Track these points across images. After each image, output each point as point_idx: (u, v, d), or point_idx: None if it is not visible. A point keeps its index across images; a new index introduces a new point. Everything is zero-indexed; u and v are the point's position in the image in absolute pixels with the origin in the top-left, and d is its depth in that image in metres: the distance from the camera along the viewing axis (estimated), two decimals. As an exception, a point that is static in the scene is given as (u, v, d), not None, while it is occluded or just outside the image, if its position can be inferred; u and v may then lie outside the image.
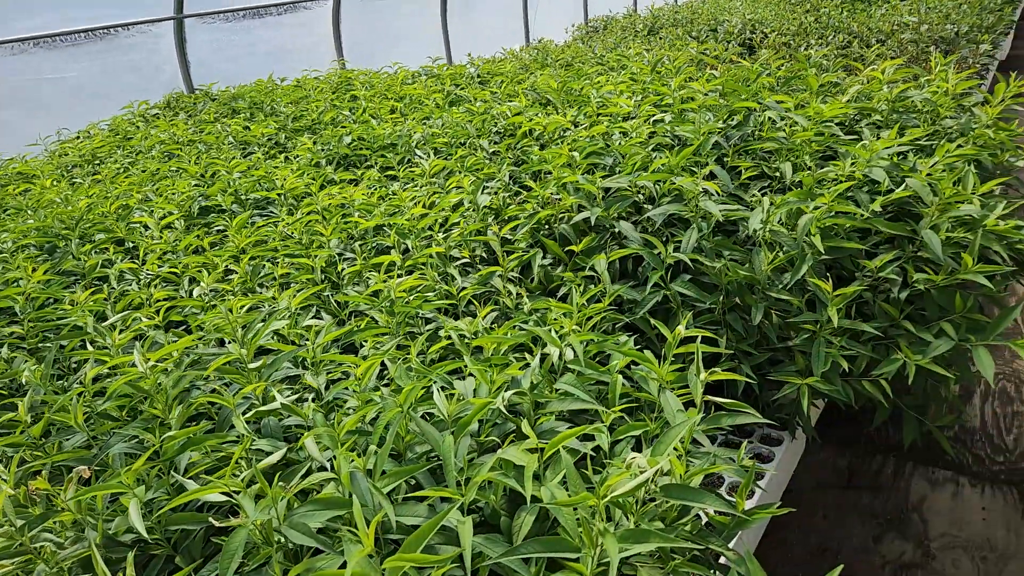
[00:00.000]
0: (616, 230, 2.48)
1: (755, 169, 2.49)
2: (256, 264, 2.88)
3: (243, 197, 3.76)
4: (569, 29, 11.00)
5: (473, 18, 10.08)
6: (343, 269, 2.76)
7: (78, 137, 5.81)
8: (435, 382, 1.69)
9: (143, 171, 4.45)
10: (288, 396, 1.86)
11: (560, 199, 2.65)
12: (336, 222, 3.04)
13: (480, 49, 8.72)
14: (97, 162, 4.99)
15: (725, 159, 2.64)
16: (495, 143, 3.82)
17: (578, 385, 1.71)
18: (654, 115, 3.10)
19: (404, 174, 3.58)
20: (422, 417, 1.56)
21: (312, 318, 2.51)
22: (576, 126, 3.53)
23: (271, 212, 3.71)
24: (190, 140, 5.03)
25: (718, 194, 2.23)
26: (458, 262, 2.72)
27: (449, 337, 2.22)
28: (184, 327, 2.61)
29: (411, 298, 2.36)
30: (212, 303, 2.60)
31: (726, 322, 2.16)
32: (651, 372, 1.72)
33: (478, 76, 5.56)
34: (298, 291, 2.62)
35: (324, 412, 1.74)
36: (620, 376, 1.74)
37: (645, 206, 2.49)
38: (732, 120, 2.86)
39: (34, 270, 2.93)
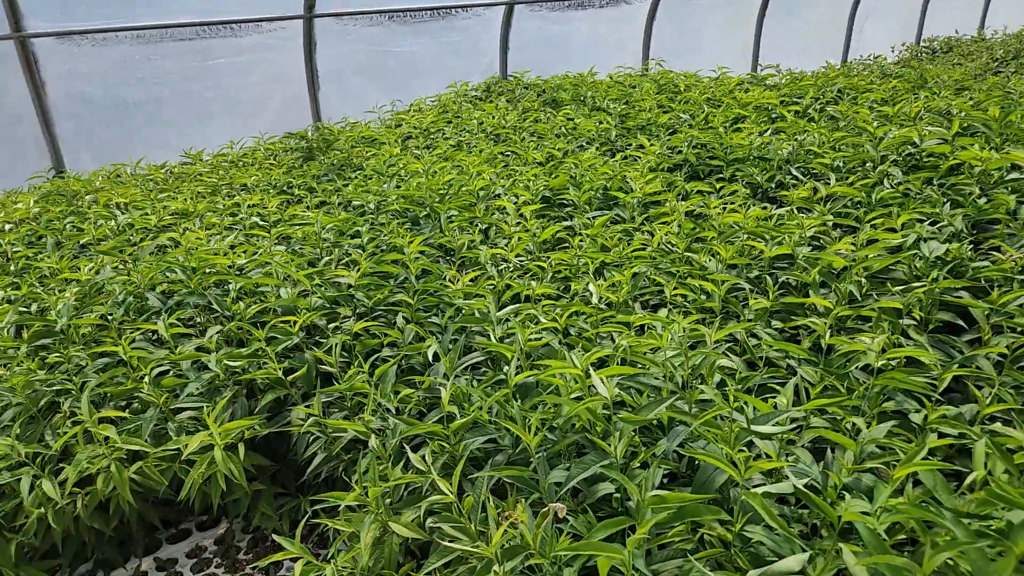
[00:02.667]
0: None
1: None
2: (639, 276, 2.55)
3: (589, 193, 3.51)
4: (897, 48, 9.62)
5: (791, 26, 9.19)
6: (751, 302, 2.32)
7: (408, 109, 6.13)
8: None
9: (480, 151, 4.45)
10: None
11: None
12: (737, 246, 2.61)
13: (791, 62, 7.86)
14: (430, 135, 5.15)
15: None
16: (904, 174, 3.13)
17: None
18: None
19: (793, 196, 3.05)
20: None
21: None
22: None
23: (617, 215, 3.41)
24: (518, 127, 4.98)
25: None
26: (904, 321, 2.14)
27: (943, 435, 1.67)
28: (560, 331, 2.35)
29: (882, 361, 1.84)
30: (599, 315, 2.31)
31: None
32: None
33: (838, 92, 4.83)
34: (702, 321, 2.24)
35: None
36: None
37: None
38: None
39: (411, 239, 2.90)
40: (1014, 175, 2.91)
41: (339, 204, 3.78)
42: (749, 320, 2.22)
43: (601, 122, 4.72)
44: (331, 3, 5.81)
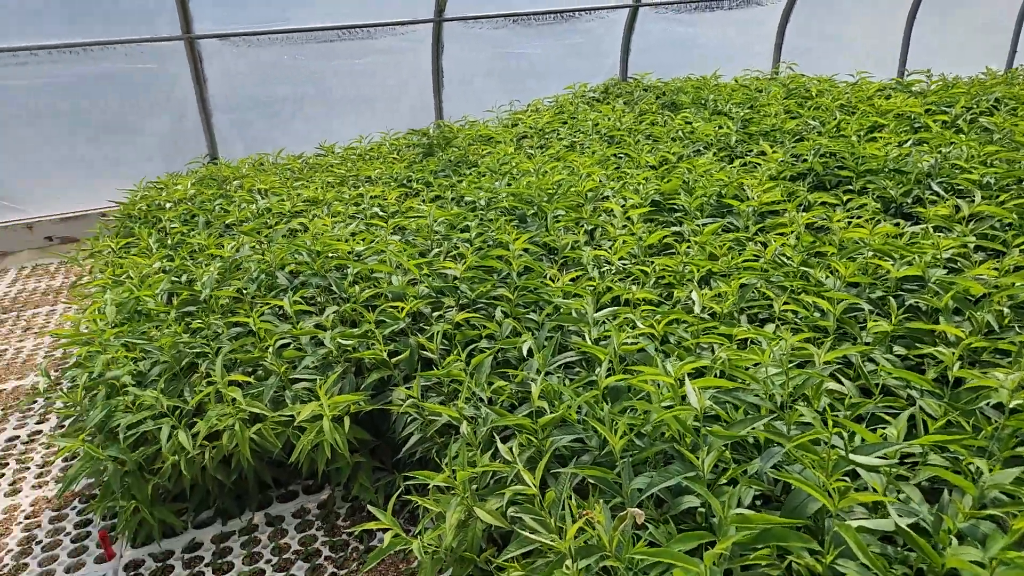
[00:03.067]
0: None
1: None
2: (746, 287, 2.47)
3: (702, 199, 3.42)
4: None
5: (946, 28, 8.44)
6: (869, 324, 2.19)
7: (526, 110, 6.24)
8: None
9: (592, 152, 4.45)
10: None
11: None
12: (859, 263, 2.46)
13: (943, 67, 7.21)
14: (545, 135, 5.22)
15: None
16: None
17: None
18: None
19: (930, 214, 2.83)
20: None
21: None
22: None
23: (730, 223, 3.31)
24: (633, 129, 4.93)
25: None
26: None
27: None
28: (655, 338, 2.32)
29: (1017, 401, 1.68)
30: (700, 324, 2.26)
31: None
32: None
33: (995, 102, 4.39)
34: (811, 340, 2.13)
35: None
36: None
37: None
38: None
39: (517, 236, 2.97)
40: None
41: (452, 199, 3.93)
42: (867, 344, 2.09)
43: (721, 127, 4.58)
44: (459, 7, 6.03)
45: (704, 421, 1.73)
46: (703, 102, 5.44)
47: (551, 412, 1.91)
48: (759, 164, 3.87)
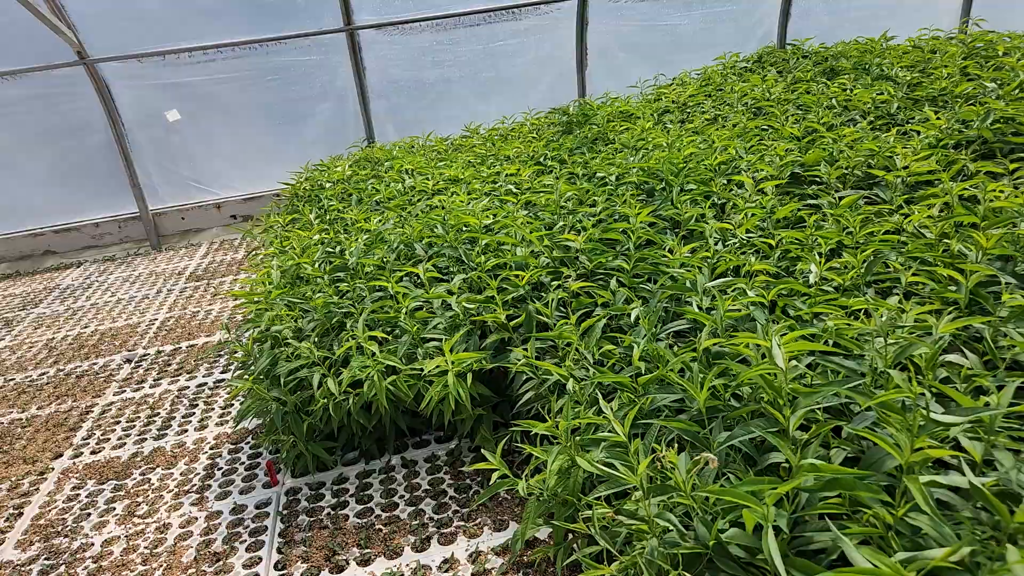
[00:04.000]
0: None
1: None
2: (872, 260, 2.34)
3: (845, 171, 3.22)
4: None
5: None
6: (1003, 297, 2.00)
7: (671, 83, 6.12)
8: None
9: (733, 125, 4.32)
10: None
11: None
12: (1000, 234, 2.24)
13: None
14: (688, 109, 5.11)
15: None
16: None
17: None
18: None
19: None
20: None
21: (945, 351, 1.88)
22: None
23: (876, 195, 3.09)
24: (783, 99, 4.68)
25: None
26: None
27: None
28: (776, 310, 2.27)
29: None
30: (818, 296, 2.19)
31: None
32: None
33: None
34: (936, 312, 1.99)
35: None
36: None
37: None
38: None
39: (639, 210, 3.01)
40: None
41: (584, 175, 4.02)
42: (1001, 317, 1.92)
43: (880, 92, 4.23)
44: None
45: (786, 379, 1.71)
46: (866, 67, 5.02)
47: (647, 373, 1.98)
48: (919, 132, 3.54)
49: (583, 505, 1.80)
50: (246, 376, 3.10)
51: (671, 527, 1.35)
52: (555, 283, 2.81)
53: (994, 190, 2.54)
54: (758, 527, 1.33)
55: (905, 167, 3.02)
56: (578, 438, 2.09)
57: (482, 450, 3.03)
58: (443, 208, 3.68)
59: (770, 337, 1.68)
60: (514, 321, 2.63)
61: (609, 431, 1.88)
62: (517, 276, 2.79)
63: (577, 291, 2.71)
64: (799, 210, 3.01)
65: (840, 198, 2.99)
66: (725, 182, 3.37)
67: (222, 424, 3.61)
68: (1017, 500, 1.26)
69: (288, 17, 5.96)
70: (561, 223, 3.29)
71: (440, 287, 2.98)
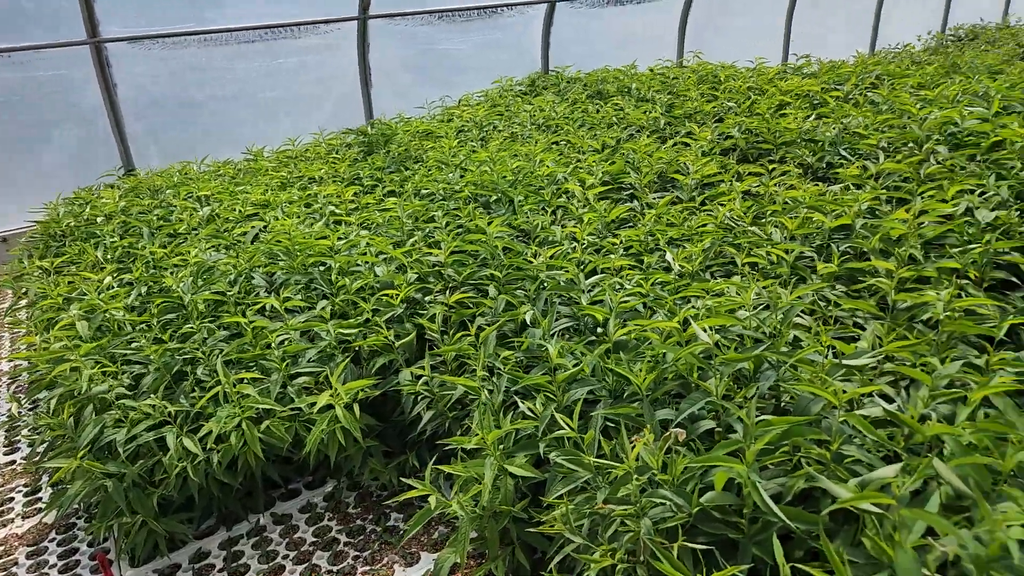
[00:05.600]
0: None
1: None
2: (710, 247, 2.75)
3: (649, 176, 3.72)
4: (923, 38, 9.67)
5: (819, 17, 9.30)
6: (819, 266, 2.52)
7: (458, 104, 6.37)
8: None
9: (535, 141, 4.67)
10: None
11: None
12: (800, 219, 2.80)
13: (819, 51, 7.97)
14: (483, 128, 5.39)
15: None
16: (949, 151, 3.29)
17: None
18: None
19: (845, 174, 3.24)
20: None
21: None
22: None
23: (677, 196, 3.62)
24: (568, 117, 5.19)
25: None
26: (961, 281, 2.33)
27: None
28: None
29: (948, 312, 2.03)
30: (678, 282, 2.52)
31: None
32: None
33: (876, 78, 4.97)
34: (783, 281, 2.44)
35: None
36: None
37: None
38: None
39: (490, 222, 3.14)
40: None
41: (410, 192, 4.03)
42: (821, 282, 2.42)
43: (647, 112, 4.92)
44: (384, 4, 6.07)
45: (706, 359, 1.98)
46: (627, 90, 5.79)
47: (561, 372, 2.10)
48: (689, 143, 4.22)
49: (535, 512, 1.84)
50: (61, 452, 2.54)
51: (665, 502, 1.48)
52: (427, 298, 2.80)
53: (773, 185, 3.16)
54: (728, 486, 1.52)
55: (696, 171, 3.59)
56: (503, 447, 2.13)
57: (369, 485, 2.87)
58: (268, 233, 3.40)
59: (678, 319, 1.91)
60: (400, 342, 2.57)
61: (546, 431, 1.96)
62: (389, 295, 2.72)
63: (453, 303, 2.74)
64: (622, 213, 3.40)
65: (656, 199, 3.44)
66: (554, 191, 3.66)
67: (25, 517, 2.91)
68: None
69: (15, 28, 4.96)
70: (411, 239, 3.27)
71: (300, 317, 2.77)
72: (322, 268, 3.04)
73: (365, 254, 3.02)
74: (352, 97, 6.53)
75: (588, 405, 2.13)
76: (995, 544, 1.17)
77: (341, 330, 2.60)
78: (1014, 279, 2.34)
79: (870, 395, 1.66)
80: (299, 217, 3.77)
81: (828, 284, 2.43)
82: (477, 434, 2.04)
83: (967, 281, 2.34)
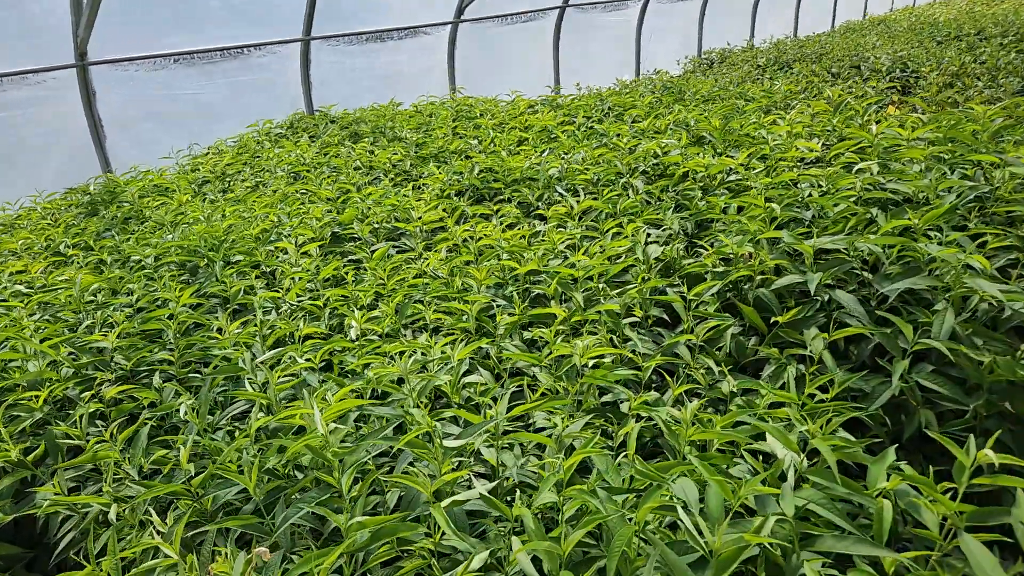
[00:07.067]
0: (826, 299, 2.13)
1: (1004, 238, 2.09)
2: (403, 305, 2.68)
3: (376, 226, 3.62)
4: (682, 62, 10.67)
5: (585, 48, 9.91)
6: (498, 318, 2.52)
7: (207, 153, 5.93)
8: (668, 486, 1.39)
9: (274, 191, 4.42)
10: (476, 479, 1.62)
11: (753, 257, 2.32)
12: (490, 266, 2.81)
13: (591, 79, 8.51)
14: (227, 178, 5.03)
15: (967, 224, 2.26)
16: (647, 183, 3.53)
17: (834, 510, 1.39)
18: (854, 163, 2.74)
19: (551, 213, 3.34)
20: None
21: (466, 373, 2.28)
22: (747, 169, 3.19)
23: (404, 244, 3.55)
24: (317, 163, 4.99)
25: (984, 269, 1.86)
26: (627, 320, 2.43)
27: (641, 418, 1.93)
28: (333, 369, 2.41)
29: (587, 361, 2.08)
30: (364, 347, 2.40)
31: (985, 430, 1.77)
32: (929, 499, 1.37)
33: (610, 108, 5.31)
34: (454, 341, 2.39)
35: (528, 505, 1.46)
36: (887, 502, 1.40)
37: (864, 274, 2.13)
38: (951, 175, 2.47)
39: (180, 292, 2.85)
40: (733, 176, 3.38)
41: (116, 261, 3.60)
42: (499, 335, 2.41)
43: (395, 153, 4.86)
44: (103, 50, 5.50)
45: (352, 440, 1.85)
46: (382, 130, 5.71)
47: (200, 472, 1.88)
48: (428, 185, 4.19)
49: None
50: None
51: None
52: (88, 393, 2.44)
53: (490, 229, 3.17)
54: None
55: (419, 217, 3.53)
56: (133, 570, 1.86)
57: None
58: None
59: (311, 404, 1.77)
60: (31, 456, 2.19)
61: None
62: (31, 399, 2.34)
63: (118, 397, 2.41)
64: (344, 266, 3.25)
65: (374, 251, 3.33)
66: (271, 250, 3.43)
67: None
68: (533, 487, 1.59)
69: None
70: (88, 321, 2.88)
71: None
72: (-41, 372, 2.56)
73: (17, 349, 2.59)
74: (85, 151, 5.84)
75: (245, 504, 1.92)
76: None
77: (-40, 451, 2.17)
78: (665, 317, 2.46)
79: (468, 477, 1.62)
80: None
81: (513, 335, 2.43)
82: (90, 565, 1.76)
83: (634, 320, 2.44)
